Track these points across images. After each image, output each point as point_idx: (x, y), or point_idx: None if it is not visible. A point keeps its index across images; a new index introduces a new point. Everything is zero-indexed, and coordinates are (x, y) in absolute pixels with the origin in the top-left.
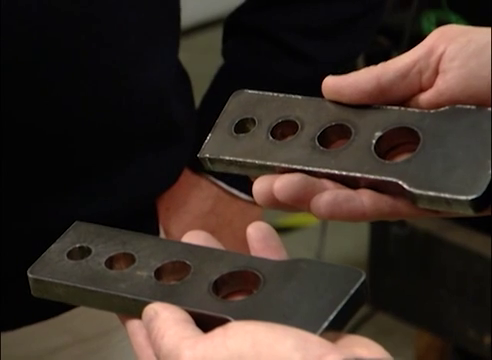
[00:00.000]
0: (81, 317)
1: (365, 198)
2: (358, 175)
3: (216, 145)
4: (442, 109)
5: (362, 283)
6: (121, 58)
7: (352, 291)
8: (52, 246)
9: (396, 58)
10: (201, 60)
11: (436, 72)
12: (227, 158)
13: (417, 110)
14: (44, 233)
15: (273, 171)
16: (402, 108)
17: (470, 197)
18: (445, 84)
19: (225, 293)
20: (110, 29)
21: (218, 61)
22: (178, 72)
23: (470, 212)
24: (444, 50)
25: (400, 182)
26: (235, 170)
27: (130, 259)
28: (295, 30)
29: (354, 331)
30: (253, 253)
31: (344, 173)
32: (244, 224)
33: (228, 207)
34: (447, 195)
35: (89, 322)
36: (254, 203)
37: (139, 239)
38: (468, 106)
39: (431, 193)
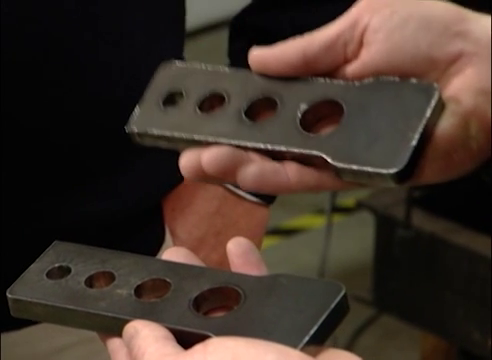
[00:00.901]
0: None
1: (291, 172)
2: (283, 149)
3: (144, 119)
4: (366, 81)
5: (342, 297)
6: (125, 59)
7: (332, 305)
8: (31, 266)
9: (321, 30)
10: (206, 61)
11: (361, 44)
12: (155, 132)
13: (342, 82)
14: (48, 232)
15: (200, 145)
16: (328, 80)
17: (391, 171)
18: (369, 56)
19: (206, 310)
20: (114, 29)
21: (223, 63)
22: None
23: (392, 185)
24: (368, 22)
25: (324, 156)
26: (164, 144)
27: (110, 277)
28: (300, 31)
29: (359, 333)
30: (233, 269)
31: (269, 147)
32: (250, 225)
33: (234, 208)
34: (369, 169)
35: None
36: (260, 204)
37: (119, 257)
38: (392, 78)
39: (354, 166)
